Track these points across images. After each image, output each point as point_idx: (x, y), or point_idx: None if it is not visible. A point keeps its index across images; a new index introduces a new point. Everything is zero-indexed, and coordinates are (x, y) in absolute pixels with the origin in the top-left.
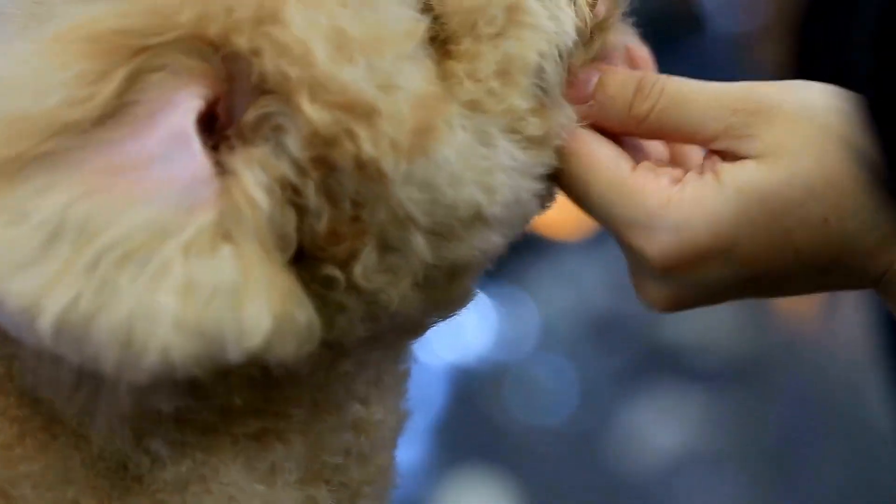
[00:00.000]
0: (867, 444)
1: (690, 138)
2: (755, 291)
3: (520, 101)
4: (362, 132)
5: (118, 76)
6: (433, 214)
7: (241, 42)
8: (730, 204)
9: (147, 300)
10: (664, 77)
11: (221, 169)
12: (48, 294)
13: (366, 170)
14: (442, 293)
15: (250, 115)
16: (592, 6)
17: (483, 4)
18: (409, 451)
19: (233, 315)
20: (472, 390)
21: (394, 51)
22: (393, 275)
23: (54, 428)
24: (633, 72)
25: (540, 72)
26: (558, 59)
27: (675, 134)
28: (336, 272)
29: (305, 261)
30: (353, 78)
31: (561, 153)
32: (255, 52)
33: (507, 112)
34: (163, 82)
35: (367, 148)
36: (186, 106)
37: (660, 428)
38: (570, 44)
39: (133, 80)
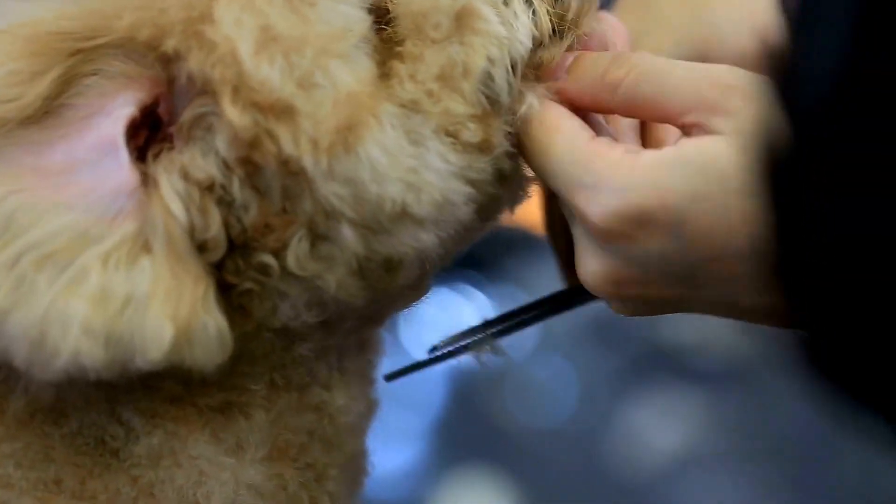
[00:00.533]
0: (869, 444)
1: (663, 111)
2: (697, 290)
3: (458, 106)
4: (282, 131)
5: (49, 78)
6: (358, 209)
7: (170, 44)
8: (685, 176)
9: (61, 304)
10: (641, 52)
11: (146, 179)
12: None
13: (288, 167)
14: (383, 283)
15: (187, 115)
16: (556, 8)
17: (429, 9)
18: (408, 451)
19: (139, 326)
20: (471, 391)
21: (319, 50)
22: (326, 263)
23: (32, 405)
24: (608, 52)
25: (487, 78)
26: (509, 66)
27: (648, 105)
28: (270, 259)
29: (239, 249)
30: (271, 76)
31: (525, 121)
32: (183, 54)
33: (443, 114)
34: (96, 87)
35: (288, 147)
36: (118, 114)
37: (660, 428)
38: (523, 51)
39: (66, 83)
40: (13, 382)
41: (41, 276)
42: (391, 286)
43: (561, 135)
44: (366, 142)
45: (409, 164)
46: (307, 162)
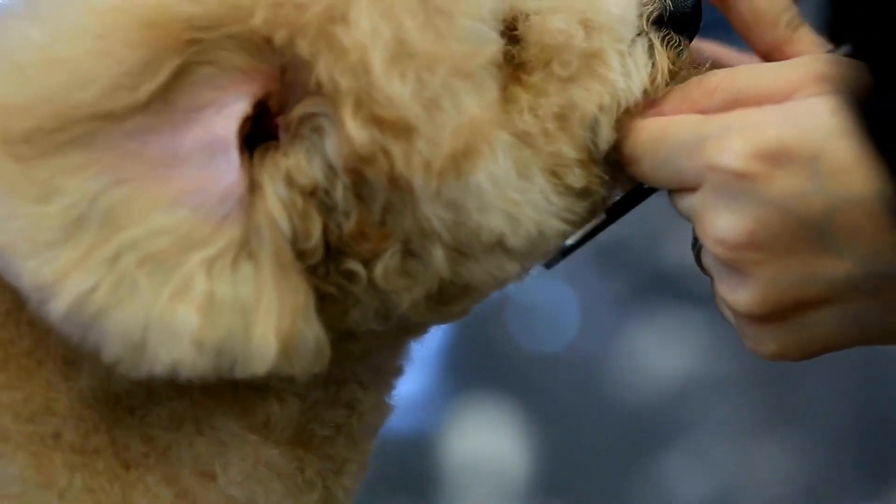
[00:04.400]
0: (869, 366)
1: (768, 97)
2: (834, 252)
3: (569, 150)
4: (397, 150)
5: (166, 68)
6: (456, 233)
7: (303, 46)
8: (821, 114)
9: (167, 312)
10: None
11: (251, 182)
12: (65, 279)
13: (396, 183)
14: (449, 307)
15: (297, 112)
16: (674, 64)
17: (562, 45)
18: (411, 380)
19: (243, 337)
20: (472, 318)
21: (450, 69)
22: (411, 280)
23: (40, 353)
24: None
25: (595, 125)
26: (614, 115)
27: (752, 95)
28: (359, 268)
29: (331, 253)
30: (401, 93)
31: (628, 132)
32: (314, 58)
33: (554, 155)
34: (210, 78)
35: (400, 165)
36: (231, 110)
37: (662, 352)
38: (631, 104)
39: (181, 74)
40: (26, 326)
41: (144, 277)
42: (453, 311)
43: (672, 120)
44: (478, 170)
45: (514, 198)
46: (417, 183)
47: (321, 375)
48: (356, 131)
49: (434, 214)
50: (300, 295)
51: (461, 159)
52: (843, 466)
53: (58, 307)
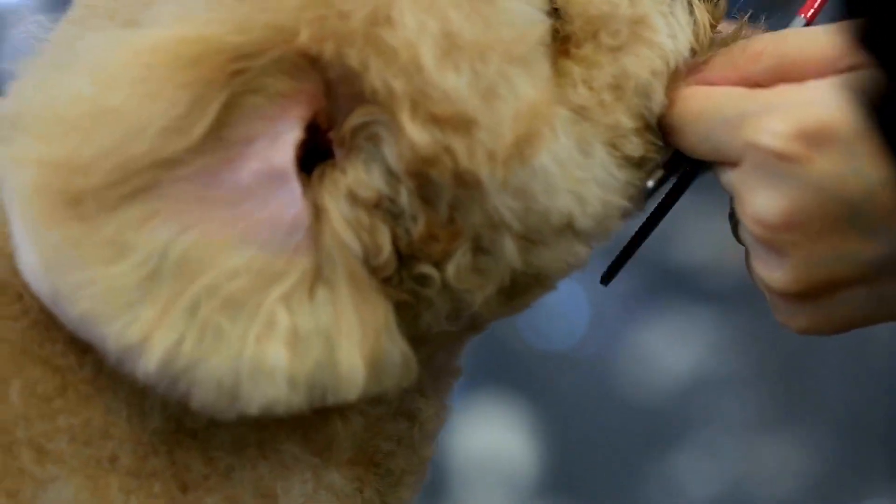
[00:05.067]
0: (880, 361)
1: (815, 62)
2: (872, 237)
3: (626, 119)
4: (459, 145)
5: (215, 105)
6: (526, 221)
7: (352, 55)
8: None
9: (257, 353)
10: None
11: (314, 207)
12: (150, 337)
13: (462, 179)
14: (520, 299)
15: (349, 125)
16: (714, 20)
17: (608, 15)
18: None
19: (331, 365)
20: None
21: (503, 56)
22: (483, 277)
23: (101, 380)
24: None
25: (650, 91)
26: (666, 78)
27: (798, 61)
28: (431, 270)
29: (402, 260)
30: (457, 87)
31: (670, 103)
32: (364, 66)
33: (612, 127)
34: (259, 108)
35: (464, 160)
36: (285, 139)
37: (671, 350)
38: (682, 64)
39: (229, 106)
40: (87, 354)
41: (227, 322)
42: (527, 301)
43: (715, 92)
44: (541, 152)
45: (579, 176)
46: (483, 175)
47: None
48: (416, 133)
49: (503, 205)
50: (380, 312)
51: (524, 144)
52: (854, 462)
53: (147, 366)
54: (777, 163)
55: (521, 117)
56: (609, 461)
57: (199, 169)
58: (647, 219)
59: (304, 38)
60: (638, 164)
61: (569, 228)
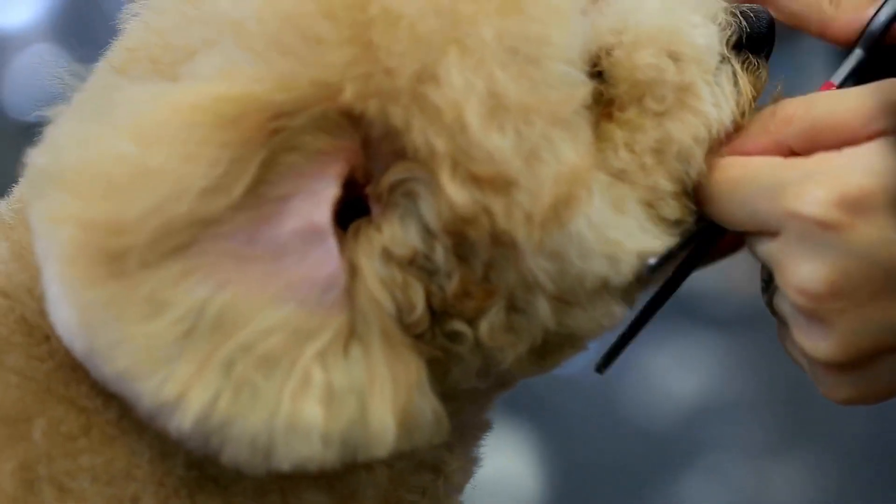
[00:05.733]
0: None
1: (845, 128)
2: None
3: (666, 183)
4: (498, 206)
5: (255, 165)
6: (560, 283)
7: (396, 113)
8: None
9: (292, 411)
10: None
11: (350, 265)
12: (186, 395)
13: (498, 239)
14: (552, 358)
15: (386, 181)
16: (756, 91)
17: (655, 81)
18: None
19: (362, 423)
20: None
21: (547, 118)
22: (516, 335)
23: (125, 423)
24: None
25: (690, 157)
26: (707, 146)
27: (828, 126)
28: (464, 327)
29: (435, 316)
30: (500, 148)
31: (707, 170)
32: (407, 124)
33: (650, 189)
34: (297, 166)
35: (502, 221)
36: (321, 196)
37: (677, 375)
38: (723, 133)
39: (267, 164)
40: (113, 397)
41: (262, 380)
42: (558, 361)
43: (752, 162)
44: (577, 216)
45: (613, 237)
46: (519, 237)
47: None
48: (456, 193)
49: (538, 267)
50: (412, 369)
51: (561, 208)
52: (860, 485)
53: (183, 423)
54: (820, 231)
55: (560, 181)
56: (615, 485)
57: (237, 227)
58: (646, 305)
59: (348, 95)
60: (673, 225)
61: (603, 289)
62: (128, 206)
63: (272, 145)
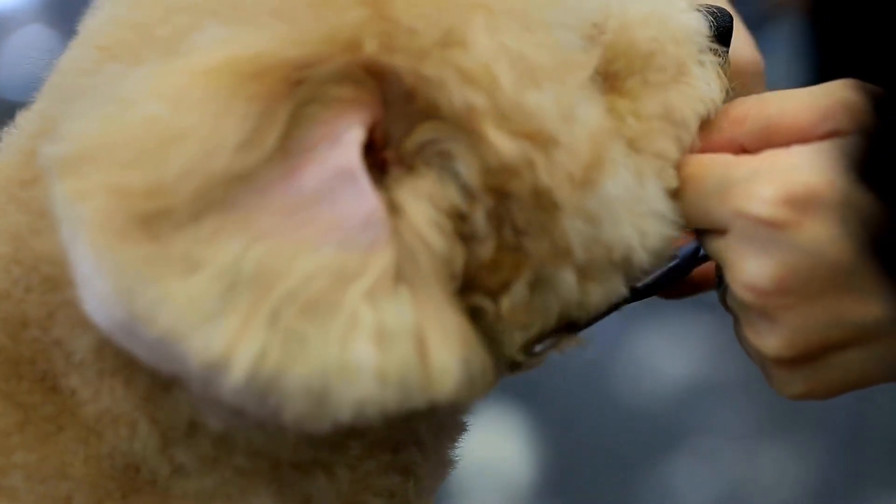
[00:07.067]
0: None
1: (797, 127)
2: (864, 300)
3: (673, 149)
4: (541, 162)
5: (284, 116)
6: (591, 250)
7: (428, 69)
8: (848, 158)
9: (342, 353)
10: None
11: (388, 204)
12: (234, 350)
13: (539, 199)
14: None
15: (412, 141)
16: (729, 80)
17: (656, 52)
18: None
19: (420, 362)
20: None
21: (574, 79)
22: (531, 317)
23: (63, 419)
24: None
25: (689, 128)
26: (700, 120)
27: (782, 125)
28: (487, 303)
29: (461, 290)
30: (539, 105)
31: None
32: (439, 82)
33: (658, 155)
34: (321, 114)
35: (545, 178)
36: (349, 137)
37: (669, 356)
38: (713, 110)
39: (294, 116)
40: (52, 394)
41: (309, 326)
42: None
43: (703, 160)
44: (609, 180)
45: (638, 208)
46: (561, 195)
47: (378, 440)
48: (503, 143)
49: (573, 229)
50: (461, 317)
51: (595, 170)
52: (850, 470)
53: (234, 380)
54: (766, 229)
55: (593, 139)
56: (606, 467)
57: (269, 180)
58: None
59: (370, 49)
60: (674, 195)
61: (627, 262)
62: (162, 168)
63: (297, 96)
